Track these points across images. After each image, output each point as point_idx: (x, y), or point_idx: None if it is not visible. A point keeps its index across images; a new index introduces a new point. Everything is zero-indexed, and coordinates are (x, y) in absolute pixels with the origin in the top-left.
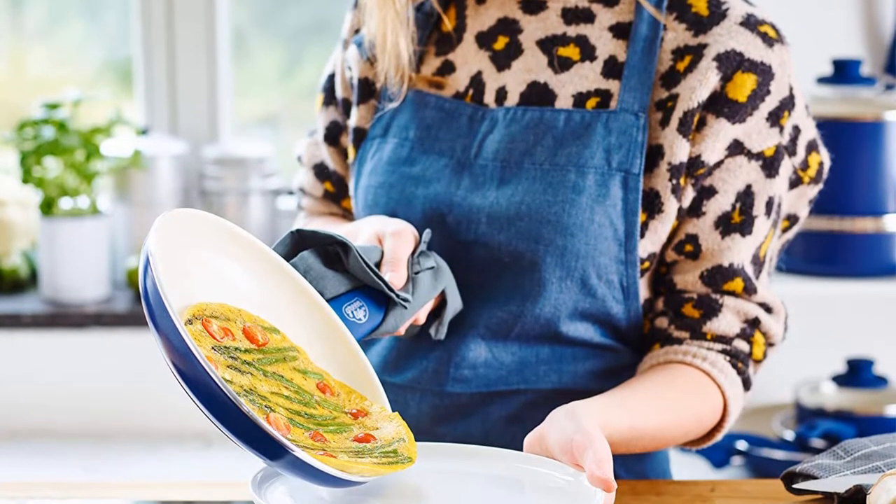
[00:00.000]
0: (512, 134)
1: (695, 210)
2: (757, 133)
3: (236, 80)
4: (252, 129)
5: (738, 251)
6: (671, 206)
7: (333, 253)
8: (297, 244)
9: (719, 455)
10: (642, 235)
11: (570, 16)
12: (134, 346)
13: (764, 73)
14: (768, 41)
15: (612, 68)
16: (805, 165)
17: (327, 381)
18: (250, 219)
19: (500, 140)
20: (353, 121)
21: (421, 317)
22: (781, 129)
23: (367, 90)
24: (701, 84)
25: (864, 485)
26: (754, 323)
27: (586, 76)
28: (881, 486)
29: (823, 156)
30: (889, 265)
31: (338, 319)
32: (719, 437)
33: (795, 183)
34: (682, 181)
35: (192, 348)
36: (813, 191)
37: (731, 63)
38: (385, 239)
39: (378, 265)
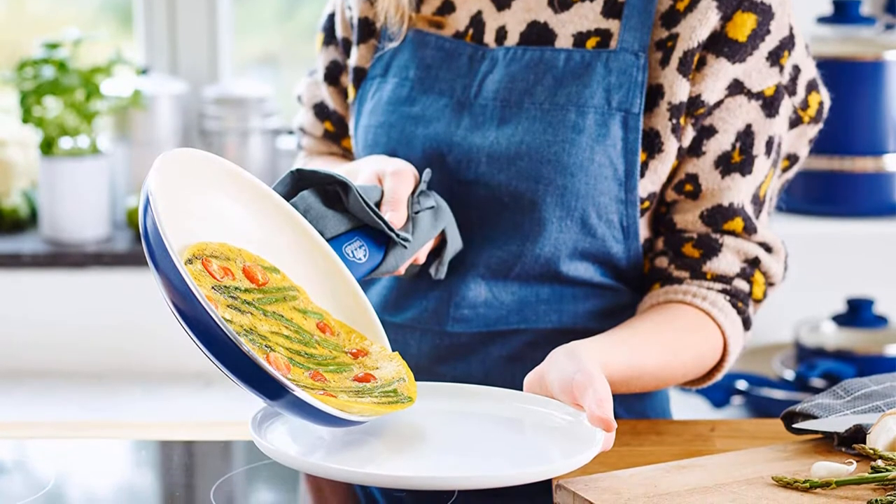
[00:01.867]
0: (512, 73)
1: (695, 150)
2: (757, 72)
3: (236, 20)
4: (252, 68)
5: (737, 191)
6: (671, 146)
7: (333, 192)
8: (297, 184)
9: (719, 395)
10: (642, 175)
11: None
12: (134, 285)
13: (764, 12)
14: None
15: (611, 8)
16: (805, 105)
17: (327, 321)
18: (250, 158)
19: (500, 80)
20: (353, 60)
21: (421, 256)
22: (781, 68)
23: (367, 30)
24: (701, 24)
25: (863, 424)
26: (754, 262)
27: (586, 16)
28: (881, 426)
29: (823, 95)
30: (889, 205)
31: (338, 259)
32: (719, 376)
33: (795, 122)
34: (681, 121)
35: (192, 288)
36: (813, 130)
37: (731, 2)
38: (385, 178)
39: (378, 205)
